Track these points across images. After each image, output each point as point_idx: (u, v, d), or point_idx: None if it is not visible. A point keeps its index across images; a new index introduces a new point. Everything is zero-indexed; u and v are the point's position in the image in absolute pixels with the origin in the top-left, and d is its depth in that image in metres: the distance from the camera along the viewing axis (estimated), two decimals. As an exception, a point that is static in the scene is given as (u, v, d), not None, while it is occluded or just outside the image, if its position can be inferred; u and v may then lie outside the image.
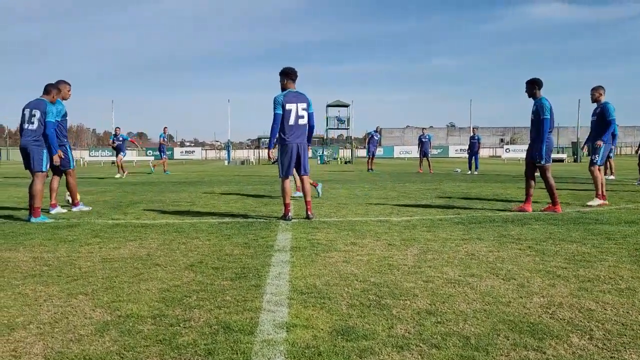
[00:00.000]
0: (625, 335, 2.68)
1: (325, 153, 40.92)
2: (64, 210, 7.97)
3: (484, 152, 52.60)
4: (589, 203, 8.33)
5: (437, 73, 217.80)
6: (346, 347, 2.53)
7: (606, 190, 8.52)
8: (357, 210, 7.90)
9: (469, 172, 20.23)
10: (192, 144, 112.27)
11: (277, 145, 7.11)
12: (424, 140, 22.00)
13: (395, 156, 57.37)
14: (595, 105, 8.65)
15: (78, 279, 3.87)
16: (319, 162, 37.95)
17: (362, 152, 40.79)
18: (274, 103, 6.87)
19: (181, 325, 2.87)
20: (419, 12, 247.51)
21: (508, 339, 2.62)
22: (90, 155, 45.68)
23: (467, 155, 22.36)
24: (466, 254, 4.63)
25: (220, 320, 2.93)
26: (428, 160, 21.58)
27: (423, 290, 3.50)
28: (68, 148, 8.05)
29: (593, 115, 8.65)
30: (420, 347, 2.54)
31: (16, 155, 38.34)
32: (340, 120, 52.96)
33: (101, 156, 44.97)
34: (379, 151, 50.39)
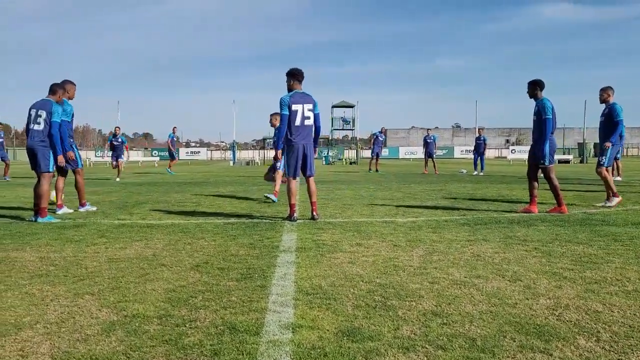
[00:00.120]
0: (633, 337, 2.67)
1: (330, 154, 40.91)
2: (70, 210, 8.00)
3: (489, 153, 52.39)
4: (608, 204, 8.25)
5: (443, 73, 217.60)
6: (352, 348, 2.53)
7: (610, 191, 8.47)
8: (362, 211, 7.90)
9: (475, 173, 20.17)
10: (198, 145, 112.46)
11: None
12: (429, 141, 21.96)
13: (400, 157, 57.31)
14: (604, 106, 8.61)
15: (84, 279, 3.89)
16: (324, 162, 37.97)
17: (368, 153, 40.72)
18: (280, 104, 6.89)
19: (187, 325, 2.87)
20: (424, 12, 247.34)
21: (514, 341, 2.61)
22: (96, 156, 45.85)
23: (472, 156, 22.31)
24: (472, 255, 4.62)
25: (226, 320, 2.94)
26: (433, 161, 21.53)
27: (429, 292, 3.49)
28: (75, 148, 8.09)
29: (602, 116, 8.62)
30: (426, 348, 2.54)
31: (23, 155, 38.49)
32: (345, 121, 52.86)
33: (107, 157, 45.05)
34: (384, 152, 50.30)
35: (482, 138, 21.17)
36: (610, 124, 8.44)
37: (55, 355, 2.49)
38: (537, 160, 7.64)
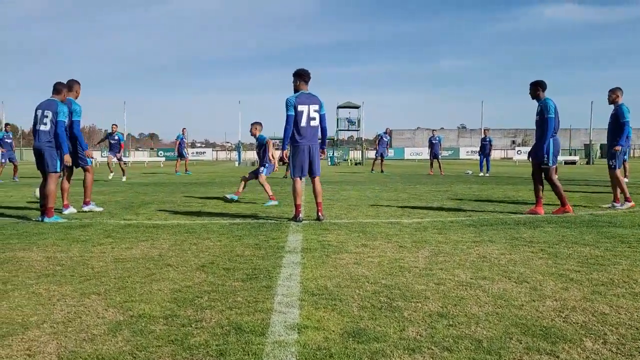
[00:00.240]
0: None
1: (335, 154, 40.90)
2: (76, 210, 8.03)
3: (495, 154, 52.22)
4: (618, 207, 8.18)
5: (448, 74, 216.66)
6: (357, 349, 2.53)
7: (619, 193, 8.42)
8: (367, 212, 7.89)
9: (481, 174, 20.12)
10: (203, 145, 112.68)
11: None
12: (434, 142, 21.91)
13: (405, 158, 57.22)
14: (612, 107, 8.58)
15: (91, 279, 3.91)
16: (329, 163, 37.99)
17: (373, 154, 40.74)
18: (286, 104, 6.89)
19: (193, 325, 2.88)
20: (429, 13, 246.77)
21: (520, 343, 2.61)
22: (102, 156, 46.02)
23: (478, 157, 22.24)
24: (478, 257, 4.61)
25: (231, 321, 2.94)
26: (439, 162, 21.49)
27: (434, 293, 3.48)
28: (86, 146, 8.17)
29: (610, 118, 8.58)
30: (432, 349, 2.53)
31: (30, 155, 38.72)
32: (350, 121, 52.77)
33: (105, 156, 45.25)
34: (390, 153, 50.23)
35: (487, 139, 21.12)
36: (616, 125, 8.41)
37: (62, 355, 2.50)
38: (539, 160, 7.60)
